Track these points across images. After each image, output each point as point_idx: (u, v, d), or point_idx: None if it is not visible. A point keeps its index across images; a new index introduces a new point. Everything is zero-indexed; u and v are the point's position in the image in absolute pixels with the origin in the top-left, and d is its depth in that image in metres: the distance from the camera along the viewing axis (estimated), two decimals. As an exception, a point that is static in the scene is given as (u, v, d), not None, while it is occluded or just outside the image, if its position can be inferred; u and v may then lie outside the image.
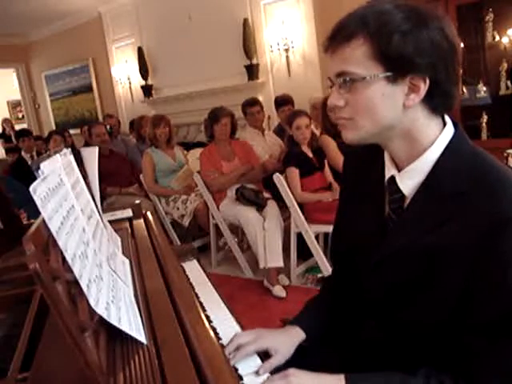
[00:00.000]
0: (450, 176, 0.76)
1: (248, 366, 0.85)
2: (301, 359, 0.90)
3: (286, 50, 4.40)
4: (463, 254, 0.72)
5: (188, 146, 4.53)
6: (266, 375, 0.84)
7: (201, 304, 1.06)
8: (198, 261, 1.47)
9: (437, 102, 0.76)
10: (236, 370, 0.83)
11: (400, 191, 0.82)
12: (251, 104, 3.62)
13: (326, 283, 1.14)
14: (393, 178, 0.83)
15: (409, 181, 0.81)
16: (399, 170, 0.83)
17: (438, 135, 0.79)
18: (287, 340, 0.95)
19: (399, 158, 0.82)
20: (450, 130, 0.80)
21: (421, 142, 0.79)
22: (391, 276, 0.83)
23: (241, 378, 0.82)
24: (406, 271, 0.80)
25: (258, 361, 0.88)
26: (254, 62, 4.60)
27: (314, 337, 0.98)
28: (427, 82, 0.73)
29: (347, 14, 0.77)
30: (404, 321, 0.83)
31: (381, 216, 0.87)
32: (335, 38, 0.76)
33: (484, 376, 0.74)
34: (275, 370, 0.86)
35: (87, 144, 5.08)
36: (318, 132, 3.22)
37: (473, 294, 0.73)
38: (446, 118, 0.82)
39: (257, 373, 0.84)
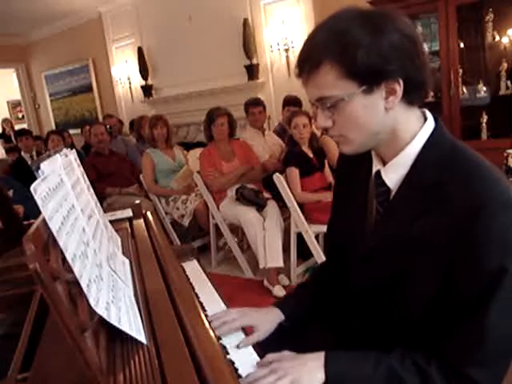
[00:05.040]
0: (430, 168, 0.80)
1: (232, 340, 0.94)
2: (298, 343, 0.93)
3: (286, 50, 4.40)
4: (442, 243, 0.76)
5: (188, 146, 4.53)
6: (248, 349, 0.92)
7: (201, 304, 1.06)
8: (198, 261, 1.47)
9: (412, 96, 0.80)
10: (236, 370, 0.83)
11: (385, 184, 0.86)
12: (254, 104, 3.61)
13: (316, 272, 1.21)
14: (379, 172, 0.87)
15: (393, 174, 0.85)
16: (385, 164, 0.87)
17: (419, 130, 0.82)
18: (269, 318, 1.04)
19: (384, 153, 0.87)
20: (430, 125, 0.83)
21: (403, 137, 0.83)
22: (377, 267, 0.87)
23: (237, 371, 0.83)
24: (390, 262, 0.84)
25: (242, 336, 0.96)
26: (254, 61, 4.60)
27: (293, 318, 1.06)
28: (401, 82, 0.77)
29: (310, 40, 0.80)
30: (389, 309, 0.87)
31: (369, 210, 0.91)
32: (304, 67, 0.80)
33: (455, 354, 0.76)
34: (264, 351, 0.90)
35: (88, 144, 5.08)
36: (318, 132, 3.22)
37: (451, 279, 0.76)
38: (428, 113, 0.86)
39: (237, 346, 0.92)
